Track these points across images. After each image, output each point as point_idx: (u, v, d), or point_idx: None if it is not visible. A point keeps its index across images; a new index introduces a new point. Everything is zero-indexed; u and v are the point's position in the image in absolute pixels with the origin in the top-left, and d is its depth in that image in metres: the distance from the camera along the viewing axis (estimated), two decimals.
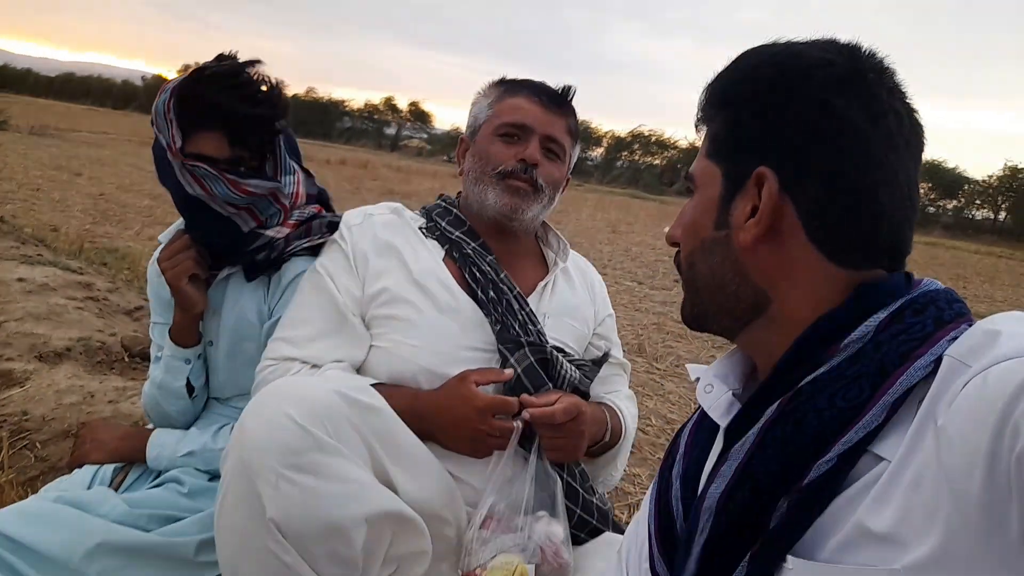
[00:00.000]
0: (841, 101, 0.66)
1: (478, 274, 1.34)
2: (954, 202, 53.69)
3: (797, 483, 0.62)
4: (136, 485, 1.42)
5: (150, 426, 1.52)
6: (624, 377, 1.55)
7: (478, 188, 1.39)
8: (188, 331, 1.44)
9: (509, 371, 1.26)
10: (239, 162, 1.33)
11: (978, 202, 53.41)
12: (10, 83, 75.37)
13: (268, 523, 0.93)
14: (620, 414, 1.43)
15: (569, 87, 1.45)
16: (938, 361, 0.58)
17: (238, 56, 1.34)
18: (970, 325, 0.61)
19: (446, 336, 1.29)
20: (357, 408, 1.05)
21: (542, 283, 1.43)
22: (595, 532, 1.34)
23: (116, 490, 1.38)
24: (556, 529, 1.19)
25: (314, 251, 1.44)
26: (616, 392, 1.49)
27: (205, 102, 1.27)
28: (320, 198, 1.55)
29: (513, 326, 1.30)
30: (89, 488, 1.37)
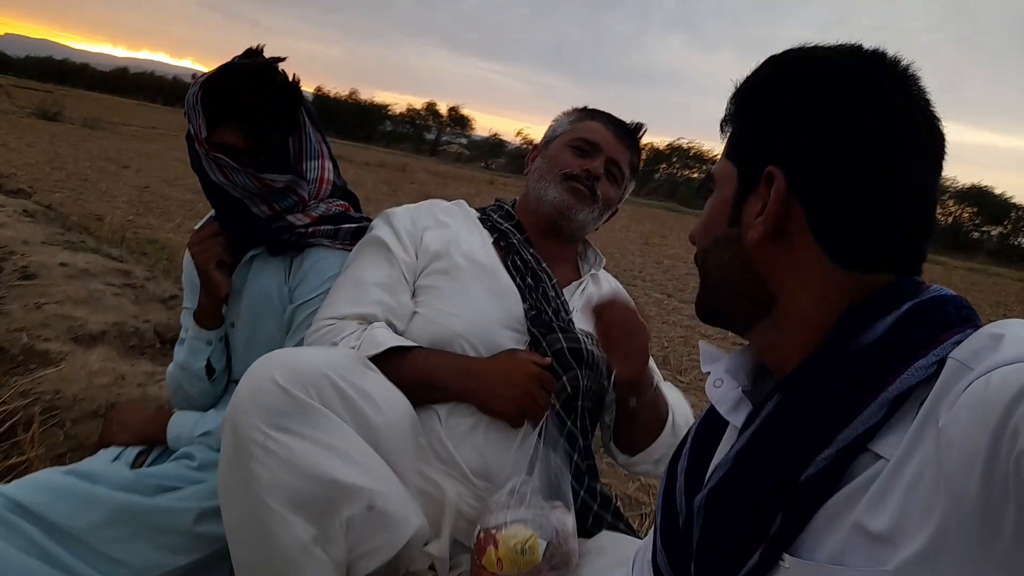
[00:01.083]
0: (852, 106, 0.67)
1: (519, 262, 1.47)
2: (999, 228, 52.28)
3: (795, 478, 0.62)
4: (155, 463, 1.47)
5: (175, 410, 1.58)
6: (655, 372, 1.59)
7: (541, 184, 1.54)
8: (212, 314, 1.52)
9: (549, 359, 1.35)
10: (258, 152, 1.40)
11: None
12: (67, 77, 77.66)
13: (253, 482, 0.99)
14: (665, 396, 1.47)
15: (640, 124, 1.60)
16: (941, 363, 0.59)
17: (264, 51, 1.42)
18: (976, 330, 0.61)
19: (485, 310, 1.39)
20: (344, 372, 1.12)
21: (576, 282, 1.56)
22: (598, 520, 1.36)
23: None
24: (569, 520, 1.23)
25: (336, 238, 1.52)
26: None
27: (228, 95, 1.36)
28: (347, 198, 1.58)
29: (547, 311, 1.41)
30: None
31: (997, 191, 53.03)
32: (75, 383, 2.48)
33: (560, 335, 1.37)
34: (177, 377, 1.54)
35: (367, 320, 1.36)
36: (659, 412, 1.42)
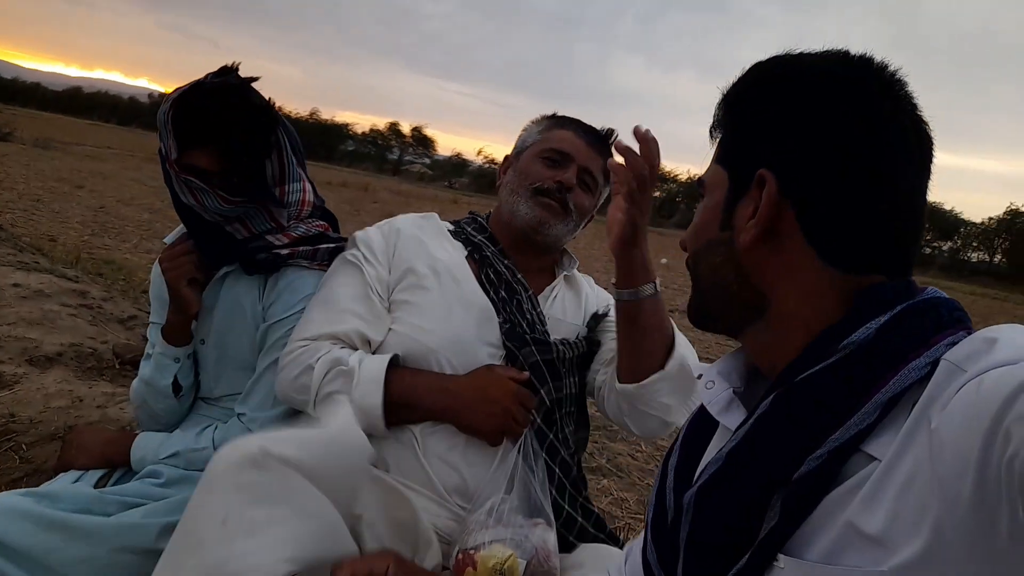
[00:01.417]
0: (841, 111, 0.68)
1: (493, 275, 1.44)
2: (950, 243, 54.05)
3: (787, 478, 0.62)
4: (118, 484, 1.41)
5: (138, 431, 1.52)
6: None
7: (513, 199, 1.48)
8: (180, 331, 1.47)
9: (526, 373, 1.33)
10: (231, 175, 1.35)
11: (975, 244, 53.81)
12: (18, 96, 75.90)
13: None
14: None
15: (612, 130, 1.54)
16: (934, 365, 0.59)
17: (239, 69, 1.36)
18: (968, 333, 0.62)
19: (459, 325, 1.36)
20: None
21: (549, 287, 1.52)
22: (582, 533, 1.35)
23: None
24: (550, 537, 1.22)
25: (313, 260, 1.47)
26: None
27: (200, 116, 1.31)
28: (326, 218, 1.56)
29: (521, 324, 1.38)
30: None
31: (947, 207, 54.93)
32: (31, 406, 2.40)
33: (534, 348, 1.35)
34: (142, 393, 1.49)
35: (341, 340, 1.34)
36: (661, 319, 1.30)
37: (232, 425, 1.39)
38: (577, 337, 1.47)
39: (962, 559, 0.51)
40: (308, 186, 1.48)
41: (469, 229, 1.53)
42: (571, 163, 1.47)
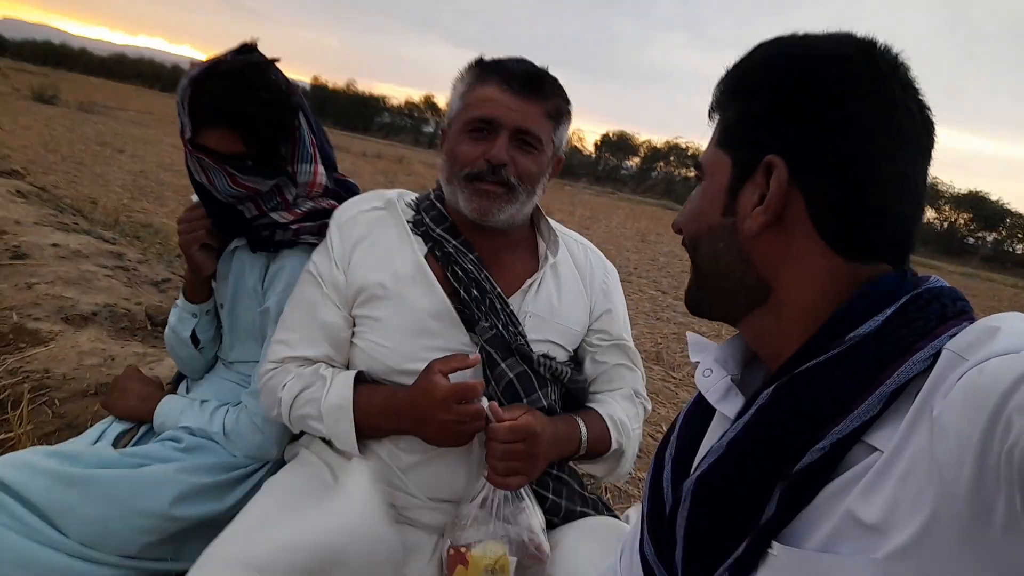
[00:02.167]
0: (853, 95, 0.66)
1: (460, 272, 1.31)
2: (994, 234, 52.58)
3: (787, 468, 0.62)
4: (139, 444, 1.47)
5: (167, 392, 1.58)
6: (632, 371, 1.49)
7: (450, 188, 1.34)
8: (196, 289, 1.53)
9: (475, 356, 1.24)
10: (245, 158, 1.35)
11: (1020, 235, 52.28)
12: (64, 61, 77.23)
13: None
14: (608, 421, 1.38)
15: (545, 69, 1.34)
16: (937, 355, 0.59)
17: (258, 45, 1.35)
18: (972, 323, 0.61)
19: (419, 337, 1.29)
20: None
21: (529, 280, 1.37)
22: (568, 514, 1.35)
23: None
24: (534, 521, 1.22)
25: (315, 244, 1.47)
26: (614, 392, 1.45)
27: (214, 98, 1.29)
28: (346, 189, 1.55)
29: (497, 326, 1.29)
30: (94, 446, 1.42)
31: (993, 197, 53.43)
32: (65, 363, 2.48)
33: (518, 359, 1.29)
34: (170, 339, 1.57)
35: (309, 361, 1.32)
36: (603, 446, 1.37)
37: (241, 418, 1.42)
38: (566, 341, 1.40)
39: (954, 546, 0.51)
40: (320, 168, 1.46)
41: (428, 219, 1.37)
42: (500, 130, 1.27)
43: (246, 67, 1.31)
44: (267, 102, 1.31)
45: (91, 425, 1.58)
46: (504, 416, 1.19)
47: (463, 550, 1.17)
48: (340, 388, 1.27)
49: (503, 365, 1.27)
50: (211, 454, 1.39)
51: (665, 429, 3.16)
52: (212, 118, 1.31)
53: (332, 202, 1.47)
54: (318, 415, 1.27)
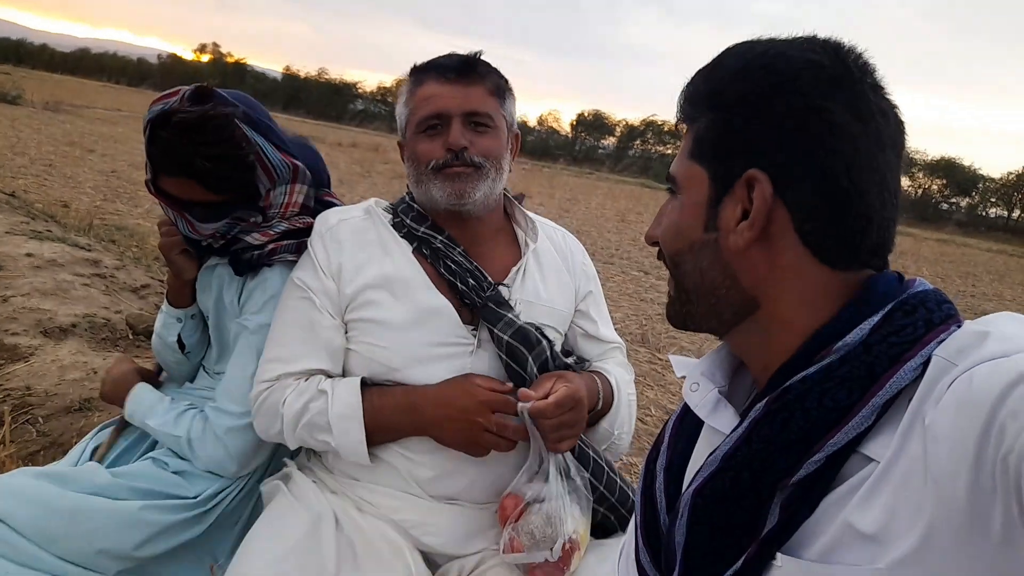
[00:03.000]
0: (832, 103, 0.65)
1: (452, 265, 1.35)
2: (967, 199, 53.33)
3: (783, 481, 0.62)
4: (123, 457, 1.46)
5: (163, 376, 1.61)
6: (620, 354, 1.54)
7: (420, 188, 1.37)
8: (179, 293, 1.51)
9: (509, 384, 1.27)
10: (203, 205, 1.34)
11: (992, 200, 53.09)
12: (26, 59, 75.61)
13: None
14: (611, 379, 1.41)
15: (476, 53, 1.41)
16: (927, 362, 0.58)
17: (213, 89, 1.32)
18: (959, 327, 0.61)
19: (417, 335, 1.30)
20: None
21: (514, 268, 1.41)
22: (613, 508, 1.36)
23: (99, 462, 1.42)
24: (581, 527, 1.23)
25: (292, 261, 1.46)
26: (608, 360, 1.49)
27: (167, 149, 1.27)
28: (320, 181, 1.53)
29: (509, 315, 1.32)
30: (77, 464, 1.41)
31: (966, 163, 54.11)
32: (46, 378, 2.43)
33: (509, 316, 1.32)
34: (157, 344, 1.57)
35: (305, 374, 1.32)
36: (604, 415, 1.39)
37: (206, 431, 1.38)
38: (557, 323, 1.42)
39: (956, 554, 0.52)
40: (297, 187, 1.44)
41: (410, 221, 1.40)
42: (450, 120, 1.33)
43: (201, 120, 1.26)
44: (220, 158, 1.28)
45: (76, 442, 1.57)
46: (536, 395, 1.22)
47: (522, 506, 1.20)
48: (346, 395, 1.27)
49: (496, 329, 1.30)
50: (192, 483, 1.37)
51: (654, 412, 3.19)
52: (167, 168, 1.30)
53: (308, 220, 1.45)
54: (326, 425, 1.26)
